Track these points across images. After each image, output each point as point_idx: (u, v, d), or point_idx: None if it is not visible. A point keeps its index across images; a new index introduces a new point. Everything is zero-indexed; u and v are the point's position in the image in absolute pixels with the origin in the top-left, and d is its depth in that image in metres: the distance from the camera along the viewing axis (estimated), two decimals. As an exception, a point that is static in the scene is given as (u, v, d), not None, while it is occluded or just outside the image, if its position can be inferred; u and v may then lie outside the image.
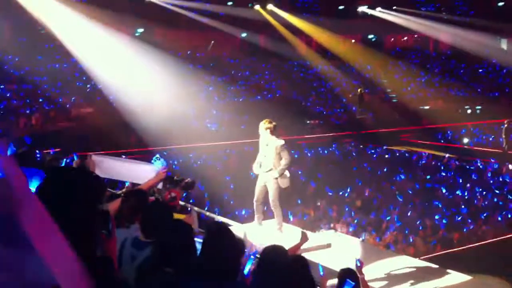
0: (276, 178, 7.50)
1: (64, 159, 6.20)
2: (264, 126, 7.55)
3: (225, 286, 3.12)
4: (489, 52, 31.06)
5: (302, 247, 6.80)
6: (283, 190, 7.79)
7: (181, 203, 6.75)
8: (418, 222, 11.38)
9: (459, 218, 11.77)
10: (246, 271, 4.11)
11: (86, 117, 19.59)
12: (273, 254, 3.73)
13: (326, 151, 18.59)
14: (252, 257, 4.26)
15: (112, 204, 3.63)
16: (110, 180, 5.89)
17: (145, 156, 9.83)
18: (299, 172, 14.84)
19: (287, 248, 3.76)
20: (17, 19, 21.06)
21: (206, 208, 10.07)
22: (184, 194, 7.73)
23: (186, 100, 21.30)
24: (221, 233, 3.49)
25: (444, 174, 15.72)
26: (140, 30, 27.23)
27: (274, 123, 7.58)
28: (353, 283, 3.97)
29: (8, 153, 5.40)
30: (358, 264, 4.97)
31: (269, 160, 7.52)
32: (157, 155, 5.27)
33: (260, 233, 7.60)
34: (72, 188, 2.77)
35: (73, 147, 12.65)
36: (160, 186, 5.23)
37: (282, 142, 7.50)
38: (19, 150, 5.37)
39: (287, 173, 7.65)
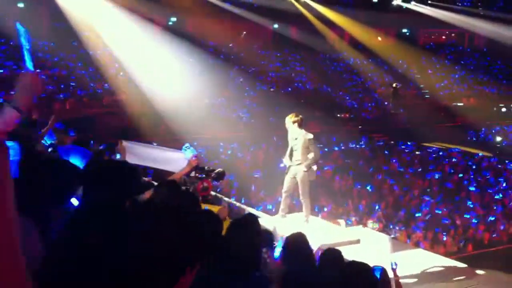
0: (305, 171, 7.52)
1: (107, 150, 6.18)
2: (291, 119, 7.57)
3: (248, 279, 3.11)
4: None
5: (331, 242, 6.77)
6: (312, 183, 7.84)
7: (213, 193, 6.77)
8: (448, 221, 11.21)
9: (491, 218, 11.54)
10: (276, 255, 4.16)
11: (118, 104, 19.73)
12: (294, 241, 3.77)
13: (356, 146, 18.39)
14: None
15: (146, 193, 3.63)
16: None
17: (174, 145, 9.87)
18: (327, 168, 14.73)
19: None
20: (54, 5, 21.30)
21: (233, 199, 10.10)
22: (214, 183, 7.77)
23: (216, 90, 21.34)
24: (246, 224, 3.49)
25: (476, 173, 15.41)
26: (173, 19, 27.31)
27: (300, 116, 7.59)
28: (381, 269, 3.92)
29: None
30: (394, 266, 4.91)
31: (298, 153, 7.54)
32: (187, 144, 5.27)
33: (285, 226, 7.59)
34: (108, 182, 2.76)
35: (104, 134, 12.84)
36: (192, 174, 5.21)
37: (311, 136, 7.52)
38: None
39: (313, 166, 7.68)
